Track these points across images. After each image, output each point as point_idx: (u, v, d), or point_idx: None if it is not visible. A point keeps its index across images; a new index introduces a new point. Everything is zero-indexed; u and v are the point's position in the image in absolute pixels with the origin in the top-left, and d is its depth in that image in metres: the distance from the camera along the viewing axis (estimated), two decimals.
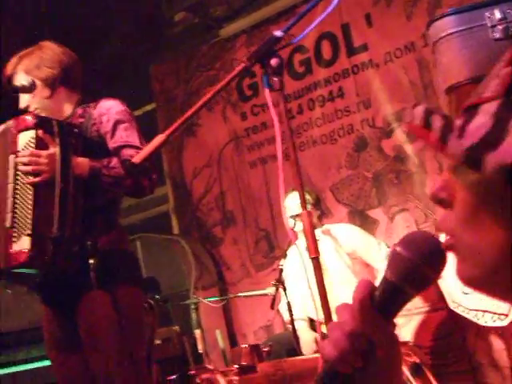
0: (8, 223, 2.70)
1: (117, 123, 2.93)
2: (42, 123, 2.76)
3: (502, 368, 4.45)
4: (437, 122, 0.82)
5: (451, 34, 2.15)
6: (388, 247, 4.35)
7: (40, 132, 2.74)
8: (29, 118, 2.77)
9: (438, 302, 4.65)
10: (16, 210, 2.70)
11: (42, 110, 2.98)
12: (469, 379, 4.61)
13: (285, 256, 4.18)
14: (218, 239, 6.04)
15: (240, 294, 4.88)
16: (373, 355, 0.91)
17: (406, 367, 3.15)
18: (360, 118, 5.34)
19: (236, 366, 3.12)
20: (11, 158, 2.75)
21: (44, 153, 2.72)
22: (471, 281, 0.86)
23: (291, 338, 4.05)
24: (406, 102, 4.99)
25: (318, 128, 5.56)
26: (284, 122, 2.21)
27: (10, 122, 2.80)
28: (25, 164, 2.72)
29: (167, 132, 2.16)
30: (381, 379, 0.93)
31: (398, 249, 0.90)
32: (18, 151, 2.74)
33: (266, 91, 2.19)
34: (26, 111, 2.97)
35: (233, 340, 5.71)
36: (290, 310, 4.05)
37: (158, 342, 4.28)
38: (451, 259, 0.88)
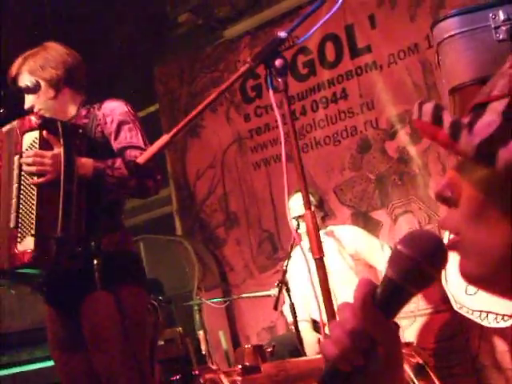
0: (12, 223, 2.71)
1: (121, 124, 2.94)
2: (46, 124, 2.77)
3: (505, 370, 4.45)
4: (447, 118, 0.82)
5: (455, 35, 2.15)
6: (391, 249, 4.35)
7: (44, 132, 2.75)
8: (33, 119, 2.78)
9: (442, 304, 4.65)
10: (20, 211, 2.71)
11: (47, 111, 2.99)
12: (472, 381, 4.61)
13: (288, 257, 4.18)
14: (222, 240, 6.03)
15: (243, 295, 4.89)
16: (374, 354, 0.91)
17: (409, 368, 3.15)
18: (363, 119, 5.34)
19: (239, 367, 3.13)
20: (16, 158, 2.76)
21: (48, 153, 2.73)
22: (475, 278, 0.86)
23: (294, 339, 4.05)
24: (409, 103, 4.99)
25: (322, 129, 5.56)
26: (288, 122, 2.21)
27: (15, 123, 2.81)
28: (29, 164, 2.73)
29: (171, 133, 2.17)
30: (382, 378, 0.93)
31: (399, 247, 0.89)
32: (23, 152, 2.75)
33: (271, 92, 2.19)
34: (30, 112, 2.97)
35: (236, 341, 5.70)
36: (293, 312, 4.05)
37: (161, 342, 4.27)
38: (455, 260, 0.88)
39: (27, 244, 2.67)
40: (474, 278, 0.86)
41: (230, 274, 5.95)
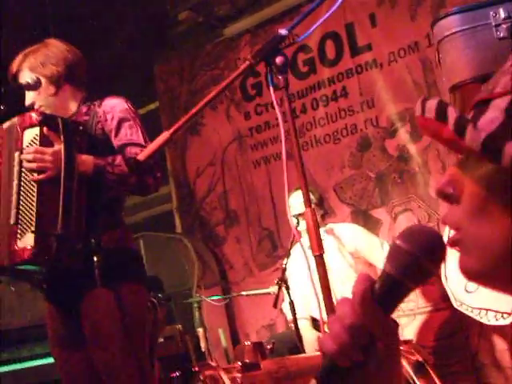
0: (12, 220, 2.71)
1: (121, 121, 2.94)
2: (46, 120, 2.77)
3: (504, 368, 4.45)
4: (452, 114, 0.82)
5: (455, 32, 2.15)
6: None
7: (45, 129, 2.75)
8: (34, 115, 2.78)
9: (441, 302, 4.65)
10: (20, 207, 2.71)
11: (47, 108, 2.99)
12: (471, 379, 4.61)
13: (288, 255, 4.18)
14: (221, 238, 6.04)
15: (243, 293, 4.88)
16: (373, 349, 0.91)
17: (409, 366, 3.15)
18: (363, 117, 5.34)
19: (239, 363, 3.13)
20: (16, 154, 2.77)
21: (49, 150, 2.73)
22: (476, 273, 0.86)
23: (294, 337, 4.05)
24: (409, 101, 4.99)
25: (322, 128, 5.56)
26: (289, 120, 2.21)
27: (15, 119, 2.81)
28: (29, 161, 2.73)
29: (171, 130, 2.17)
30: (381, 373, 0.93)
31: (398, 242, 0.90)
32: (23, 148, 2.76)
33: (271, 89, 2.19)
34: (31, 108, 2.98)
35: (235, 339, 5.71)
36: (292, 309, 4.06)
37: (160, 339, 4.28)
38: (455, 257, 0.88)
39: (27, 241, 2.67)
40: (474, 273, 0.87)
41: (229, 272, 5.95)
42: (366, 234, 4.67)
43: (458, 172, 0.87)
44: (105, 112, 2.96)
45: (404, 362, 3.13)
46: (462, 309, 3.12)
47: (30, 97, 3.02)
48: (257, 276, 5.75)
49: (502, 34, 2.08)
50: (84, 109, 3.02)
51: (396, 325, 0.93)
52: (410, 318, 4.82)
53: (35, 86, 2.97)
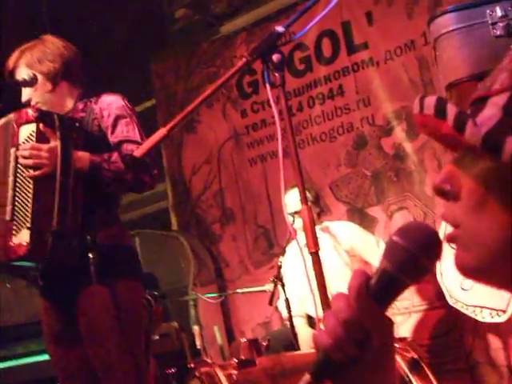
0: (8, 216, 2.71)
1: (118, 118, 2.94)
2: (43, 117, 2.77)
3: (499, 367, 4.46)
4: (452, 110, 0.82)
5: (452, 30, 2.16)
6: None
7: (41, 125, 2.75)
8: (30, 112, 2.78)
9: (436, 300, 4.66)
10: (16, 203, 2.71)
11: (44, 104, 2.99)
12: (466, 378, 4.62)
13: (284, 253, 4.19)
14: (217, 236, 6.04)
15: (238, 291, 4.89)
16: (367, 344, 0.91)
17: (404, 363, 3.16)
18: (360, 116, 5.34)
19: (235, 360, 3.13)
20: (12, 151, 2.76)
21: (45, 146, 2.73)
22: (474, 270, 0.87)
23: (289, 335, 4.05)
24: (405, 100, 5.00)
25: (318, 126, 5.56)
26: (285, 118, 2.21)
27: (12, 116, 2.81)
28: (25, 157, 2.73)
29: (168, 126, 2.17)
30: (375, 368, 0.93)
31: (395, 238, 0.90)
32: (19, 144, 2.75)
33: (268, 87, 2.19)
34: (27, 105, 2.97)
35: (231, 336, 5.71)
36: (288, 307, 4.06)
37: (156, 337, 4.28)
38: (450, 255, 0.89)
39: (23, 237, 2.67)
40: (472, 269, 0.87)
41: (225, 270, 5.95)
42: (361, 232, 4.68)
43: (455, 169, 0.87)
44: (101, 109, 2.96)
45: (399, 359, 3.14)
46: (457, 306, 3.13)
47: (26, 93, 3.01)
48: (252, 274, 5.75)
49: (498, 32, 2.08)
50: (80, 105, 3.02)
51: (391, 321, 0.94)
52: (405, 316, 4.83)
53: (31, 82, 2.97)
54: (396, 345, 2.98)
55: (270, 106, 2.10)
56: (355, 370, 0.92)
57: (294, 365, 3.20)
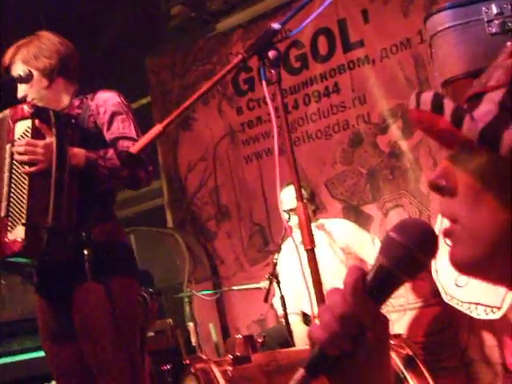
0: (3, 212, 2.71)
1: (113, 115, 2.93)
2: (38, 113, 2.77)
3: (493, 364, 4.48)
4: (449, 105, 0.83)
5: (448, 28, 2.16)
6: None
7: (37, 122, 2.74)
8: (26, 108, 2.77)
9: (431, 297, 4.67)
10: (11, 200, 2.71)
11: (40, 100, 2.98)
12: (461, 375, 4.63)
13: (279, 250, 4.19)
14: (212, 233, 6.04)
15: (234, 288, 4.89)
16: (362, 339, 0.91)
17: (399, 359, 3.16)
18: (355, 113, 5.35)
19: (230, 356, 3.14)
20: (8, 147, 2.76)
21: (40, 143, 2.72)
22: (469, 264, 0.87)
23: (284, 332, 4.06)
24: (401, 98, 5.00)
25: (314, 123, 5.56)
26: (281, 115, 2.21)
27: (7, 111, 2.80)
28: (21, 153, 2.72)
29: (164, 123, 2.17)
30: (370, 363, 0.93)
31: (392, 234, 0.90)
32: (15, 140, 2.75)
33: (264, 83, 2.19)
34: (23, 101, 2.97)
35: (226, 333, 5.71)
36: (283, 304, 4.06)
37: (151, 334, 4.28)
38: (446, 252, 0.89)
39: (18, 233, 2.66)
40: (467, 264, 0.87)
41: (220, 267, 5.95)
42: (357, 229, 4.68)
43: (450, 165, 0.88)
44: (97, 105, 2.96)
45: (394, 356, 3.14)
46: (452, 303, 3.13)
47: (22, 89, 3.01)
48: (248, 271, 5.75)
49: (494, 30, 2.09)
50: (76, 102, 3.02)
51: (386, 318, 0.94)
52: (400, 313, 4.84)
53: (27, 78, 2.97)
54: (391, 341, 2.98)
55: (265, 103, 2.11)
56: (350, 365, 0.93)
57: (289, 361, 3.20)
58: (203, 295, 4.98)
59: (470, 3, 2.14)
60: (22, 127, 2.75)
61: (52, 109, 2.84)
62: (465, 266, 0.88)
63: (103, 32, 6.13)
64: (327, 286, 3.70)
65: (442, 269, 3.07)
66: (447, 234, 0.89)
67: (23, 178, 2.72)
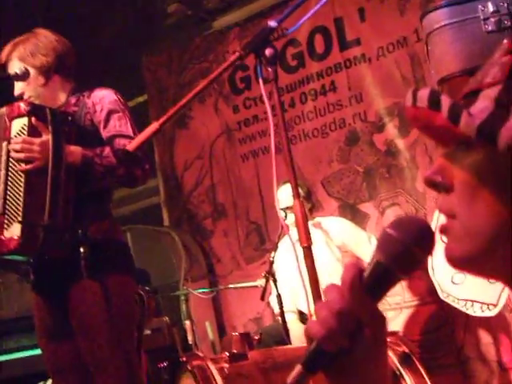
0: None
1: (110, 113, 2.93)
2: (35, 111, 2.76)
3: (489, 362, 4.49)
4: (446, 102, 0.83)
5: (444, 25, 2.17)
6: None
7: (33, 119, 2.74)
8: (22, 105, 2.77)
9: (427, 296, 4.68)
10: (7, 197, 2.71)
11: (36, 98, 2.98)
12: (457, 373, 4.64)
13: (276, 248, 4.19)
14: (209, 231, 6.04)
15: (230, 286, 4.89)
16: (360, 336, 0.91)
17: (395, 357, 3.17)
18: (352, 112, 5.35)
19: (227, 354, 3.14)
20: (4, 144, 2.76)
21: (37, 140, 2.72)
22: (466, 260, 0.87)
23: (281, 330, 4.06)
24: (397, 96, 5.01)
25: (310, 122, 5.56)
26: (277, 113, 2.22)
27: (3, 109, 2.80)
28: (17, 151, 2.72)
29: (161, 120, 2.17)
30: (367, 360, 0.93)
31: (389, 230, 0.90)
32: (11, 138, 2.74)
33: (260, 81, 2.19)
34: (20, 98, 2.97)
35: (222, 332, 5.71)
36: (280, 302, 4.07)
37: (147, 332, 4.28)
38: (442, 249, 0.89)
39: (14, 231, 2.66)
40: (464, 260, 0.88)
41: (217, 266, 5.95)
42: (353, 227, 4.69)
43: (446, 162, 0.88)
44: (94, 103, 2.95)
45: (390, 353, 3.15)
46: (449, 300, 3.14)
47: (18, 87, 3.00)
48: (244, 269, 5.75)
49: (490, 28, 2.09)
50: (73, 100, 3.02)
51: (383, 314, 0.94)
52: (397, 311, 4.84)
53: (23, 76, 2.96)
54: (387, 339, 2.99)
55: (262, 101, 2.11)
56: (347, 361, 0.93)
57: (285, 358, 3.21)
58: (199, 293, 4.98)
59: (467, 1, 2.14)
60: (19, 125, 2.75)
61: (48, 106, 2.84)
62: (461, 261, 0.88)
63: (100, 30, 6.12)
64: (324, 284, 3.71)
65: (439, 266, 3.08)
66: (443, 230, 0.89)
67: (19, 175, 2.72)
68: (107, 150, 2.83)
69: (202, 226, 6.08)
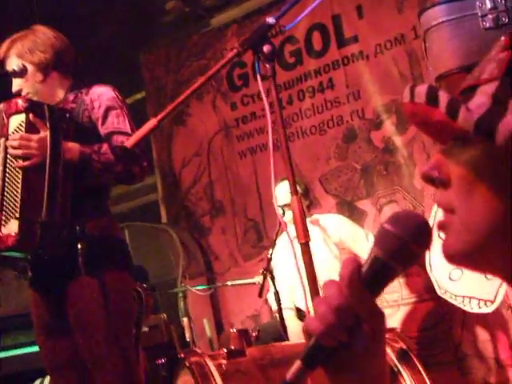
0: None
1: (108, 109, 2.93)
2: (33, 107, 2.76)
3: (487, 359, 4.50)
4: (444, 97, 0.83)
5: (442, 22, 2.16)
6: None
7: (31, 116, 2.74)
8: (20, 102, 2.77)
9: (425, 293, 4.69)
10: (5, 194, 2.70)
11: (34, 95, 2.98)
12: (454, 369, 4.65)
13: (273, 245, 4.19)
14: (207, 229, 6.04)
15: (228, 283, 4.89)
16: (358, 331, 0.92)
17: (392, 353, 3.18)
18: (349, 109, 5.35)
19: (224, 350, 3.14)
20: (1, 141, 2.75)
21: (34, 137, 2.72)
22: (463, 255, 0.88)
23: (278, 327, 4.06)
24: (395, 93, 5.01)
25: (308, 119, 5.56)
26: (275, 109, 2.21)
27: (1, 106, 2.80)
28: (15, 147, 2.72)
29: (159, 117, 2.17)
30: (365, 355, 0.93)
31: (386, 225, 0.91)
32: (9, 134, 2.74)
33: (258, 78, 2.19)
34: (18, 95, 2.96)
35: (220, 329, 5.71)
36: (277, 299, 4.07)
37: (145, 329, 4.28)
38: (439, 246, 0.90)
39: (11, 227, 2.66)
40: (461, 255, 0.88)
41: (214, 263, 5.95)
42: (350, 224, 4.69)
43: (443, 158, 0.88)
44: (92, 100, 2.95)
45: (388, 350, 3.15)
46: (446, 297, 3.14)
47: (16, 83, 3.00)
48: (242, 266, 5.76)
49: (488, 25, 2.10)
50: (71, 96, 3.01)
51: (382, 311, 0.94)
52: (394, 308, 4.85)
53: (21, 73, 2.96)
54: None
55: (260, 98, 2.11)
56: (346, 356, 0.93)
57: (283, 355, 3.21)
58: (197, 290, 4.98)
59: None
60: (16, 121, 2.75)
61: (46, 103, 2.83)
62: (458, 256, 0.88)
63: (98, 27, 6.11)
64: (321, 281, 3.71)
65: (436, 263, 3.08)
66: (441, 226, 0.89)
67: (17, 172, 2.72)
68: (105, 146, 2.83)
69: (199, 223, 6.08)
